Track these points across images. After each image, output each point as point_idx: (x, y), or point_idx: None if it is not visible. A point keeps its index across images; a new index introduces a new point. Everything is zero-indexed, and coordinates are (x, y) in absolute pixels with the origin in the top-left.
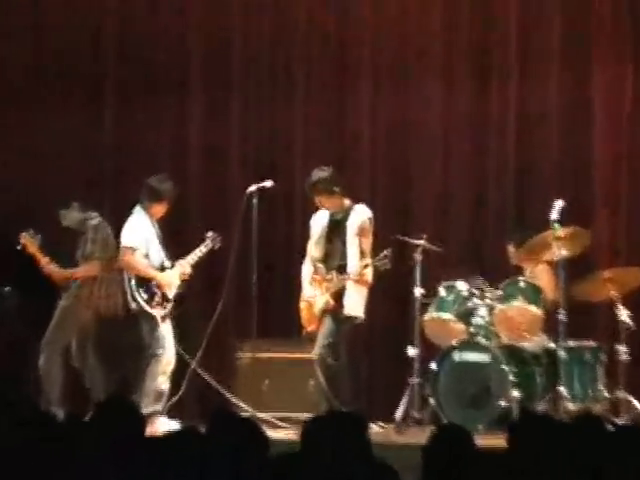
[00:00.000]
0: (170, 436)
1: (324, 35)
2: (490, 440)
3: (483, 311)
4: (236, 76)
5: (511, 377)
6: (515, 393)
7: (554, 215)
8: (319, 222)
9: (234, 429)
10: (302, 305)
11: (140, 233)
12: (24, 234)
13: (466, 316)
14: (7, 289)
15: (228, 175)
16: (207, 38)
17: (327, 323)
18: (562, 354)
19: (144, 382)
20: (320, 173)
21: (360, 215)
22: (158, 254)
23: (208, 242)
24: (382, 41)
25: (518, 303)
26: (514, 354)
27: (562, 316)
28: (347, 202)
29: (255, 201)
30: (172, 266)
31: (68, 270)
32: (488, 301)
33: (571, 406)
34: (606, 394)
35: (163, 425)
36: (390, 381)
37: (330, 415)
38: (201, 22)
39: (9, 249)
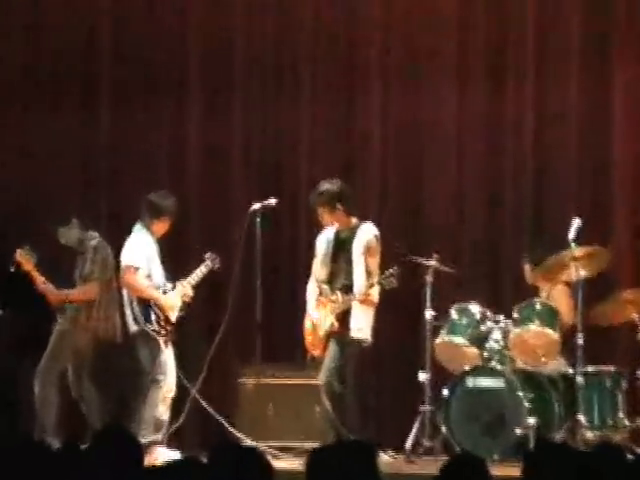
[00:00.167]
0: (170, 466)
1: (332, 35)
2: (505, 470)
3: (497, 335)
4: (238, 76)
5: (527, 404)
6: (531, 420)
7: (571, 234)
8: (324, 241)
9: (236, 459)
10: (307, 324)
11: (142, 252)
12: (20, 251)
13: (479, 340)
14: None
15: (230, 176)
16: (207, 38)
17: (332, 346)
18: (580, 380)
19: (143, 410)
20: (327, 185)
21: (366, 234)
22: (160, 274)
23: (208, 262)
24: (392, 40)
25: (534, 326)
26: (530, 380)
27: (580, 340)
28: (354, 220)
29: (258, 219)
30: (173, 287)
31: (64, 291)
32: (502, 324)
33: (589, 434)
34: (626, 422)
35: (162, 455)
36: (400, 407)
37: (337, 444)
38: (201, 22)
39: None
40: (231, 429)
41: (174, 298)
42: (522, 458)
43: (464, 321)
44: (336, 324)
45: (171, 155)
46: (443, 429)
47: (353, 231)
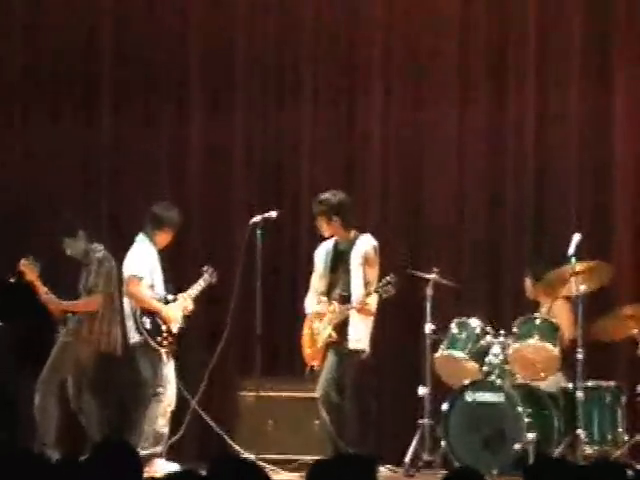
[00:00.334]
0: (169, 478)
1: (333, 35)
2: None
3: (497, 349)
4: (239, 76)
5: (526, 419)
6: (530, 435)
7: (571, 250)
8: (323, 254)
9: (236, 472)
10: (305, 331)
11: (145, 262)
12: (23, 261)
13: (479, 354)
14: None
15: (231, 176)
16: (208, 38)
17: (331, 357)
18: (580, 395)
19: (143, 423)
20: (327, 195)
21: (365, 244)
22: (162, 286)
23: (206, 276)
24: (393, 41)
25: (534, 341)
26: (530, 395)
27: (580, 355)
28: (352, 233)
29: (259, 232)
30: (174, 299)
31: (67, 302)
32: (502, 339)
33: (589, 450)
34: (626, 438)
35: (161, 467)
36: (399, 421)
37: (336, 458)
38: (202, 22)
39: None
40: (230, 442)
41: (176, 310)
42: (521, 473)
43: (464, 335)
44: (334, 334)
45: (172, 155)
46: (442, 443)
47: (352, 242)
